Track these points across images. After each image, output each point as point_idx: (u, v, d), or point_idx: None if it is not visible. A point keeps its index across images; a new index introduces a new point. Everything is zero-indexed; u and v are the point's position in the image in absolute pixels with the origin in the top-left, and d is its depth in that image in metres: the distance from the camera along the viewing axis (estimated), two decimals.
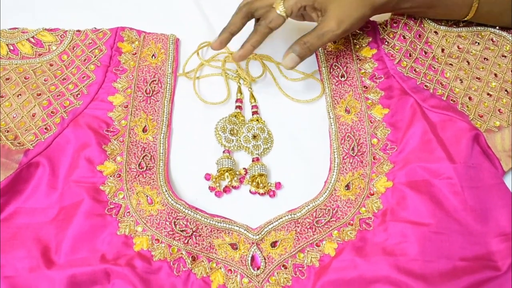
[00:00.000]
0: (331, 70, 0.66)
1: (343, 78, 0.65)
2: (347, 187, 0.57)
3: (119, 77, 0.64)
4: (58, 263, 0.51)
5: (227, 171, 0.59)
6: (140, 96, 0.63)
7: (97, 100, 0.62)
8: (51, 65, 0.64)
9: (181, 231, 0.54)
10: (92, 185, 0.55)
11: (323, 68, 0.66)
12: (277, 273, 0.53)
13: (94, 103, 0.62)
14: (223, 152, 0.61)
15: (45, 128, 0.59)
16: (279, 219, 0.55)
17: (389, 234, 0.53)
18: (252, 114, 0.64)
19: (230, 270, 0.53)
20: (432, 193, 0.54)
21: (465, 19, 0.64)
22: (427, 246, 0.51)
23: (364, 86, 0.64)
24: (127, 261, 0.51)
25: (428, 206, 0.53)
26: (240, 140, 0.61)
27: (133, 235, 0.53)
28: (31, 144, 0.57)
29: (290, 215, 0.55)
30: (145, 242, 0.53)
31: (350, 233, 0.54)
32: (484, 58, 0.64)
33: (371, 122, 0.61)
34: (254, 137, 0.62)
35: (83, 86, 0.62)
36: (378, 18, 0.67)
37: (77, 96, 0.62)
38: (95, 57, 0.65)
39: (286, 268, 0.53)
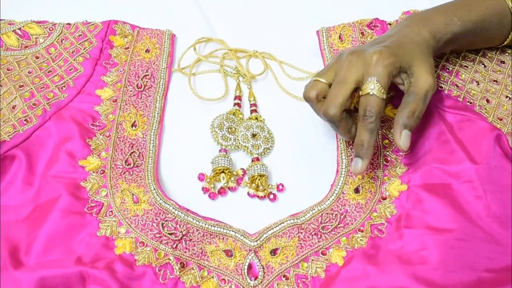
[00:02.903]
0: None
1: None
2: (356, 190, 0.51)
3: (109, 70, 0.60)
4: (27, 264, 0.45)
5: (223, 171, 0.53)
6: (131, 91, 0.58)
7: (84, 93, 0.57)
8: (36, 57, 0.60)
9: (170, 234, 0.48)
10: (72, 181, 0.50)
11: None
12: (277, 284, 0.46)
13: (81, 96, 0.57)
14: (220, 151, 0.55)
15: (25, 120, 0.53)
16: (280, 224, 0.49)
17: (405, 241, 0.47)
18: (251, 113, 0.59)
19: (224, 279, 0.47)
20: (452, 197, 0.49)
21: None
22: (449, 255, 0.45)
23: None
24: (106, 265, 0.45)
25: (449, 210, 0.48)
26: (238, 139, 0.56)
27: (114, 237, 0.47)
28: (8, 136, 0.52)
29: (293, 219, 0.49)
30: (128, 245, 0.47)
31: (360, 240, 0.48)
32: (501, 61, 0.60)
33: (383, 122, 0.56)
34: (253, 135, 0.57)
35: (70, 79, 0.58)
36: (387, 17, 0.64)
37: (62, 88, 0.57)
38: (84, 49, 0.60)
39: (287, 279, 0.47)
